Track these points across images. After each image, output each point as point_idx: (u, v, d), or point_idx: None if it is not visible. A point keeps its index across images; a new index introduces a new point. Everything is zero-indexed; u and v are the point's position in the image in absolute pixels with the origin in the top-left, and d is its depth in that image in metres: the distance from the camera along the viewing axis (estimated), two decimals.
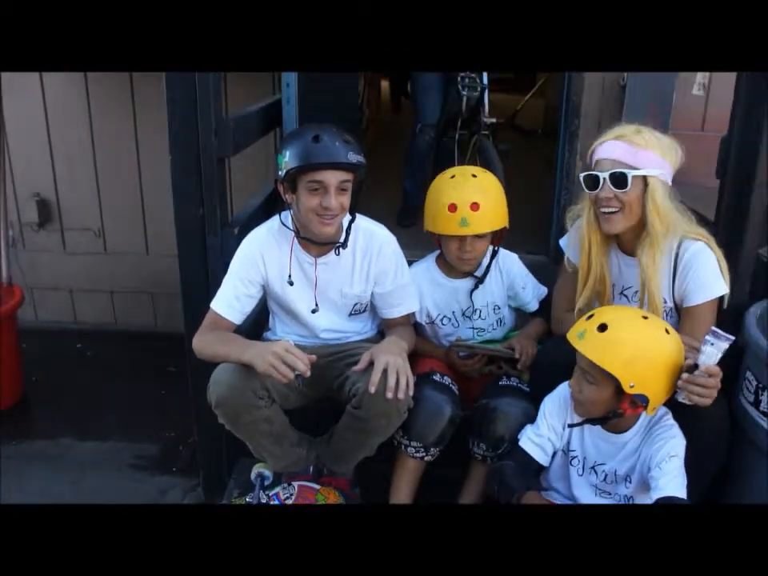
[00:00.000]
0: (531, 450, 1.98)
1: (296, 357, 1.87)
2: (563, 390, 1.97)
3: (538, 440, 1.98)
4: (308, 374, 1.89)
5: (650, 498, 1.77)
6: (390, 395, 1.89)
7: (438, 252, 2.36)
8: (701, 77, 3.46)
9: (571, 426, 1.95)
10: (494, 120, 3.76)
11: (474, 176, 2.22)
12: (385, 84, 8.08)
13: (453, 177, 2.23)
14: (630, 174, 1.90)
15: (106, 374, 3.63)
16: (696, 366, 1.72)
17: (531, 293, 2.39)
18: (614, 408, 1.81)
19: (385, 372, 1.91)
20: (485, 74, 3.67)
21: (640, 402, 1.76)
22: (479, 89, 3.59)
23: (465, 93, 3.59)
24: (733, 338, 1.74)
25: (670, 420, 1.86)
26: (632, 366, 1.72)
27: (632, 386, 1.72)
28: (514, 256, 2.41)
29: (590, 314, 1.82)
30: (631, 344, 1.73)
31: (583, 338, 1.77)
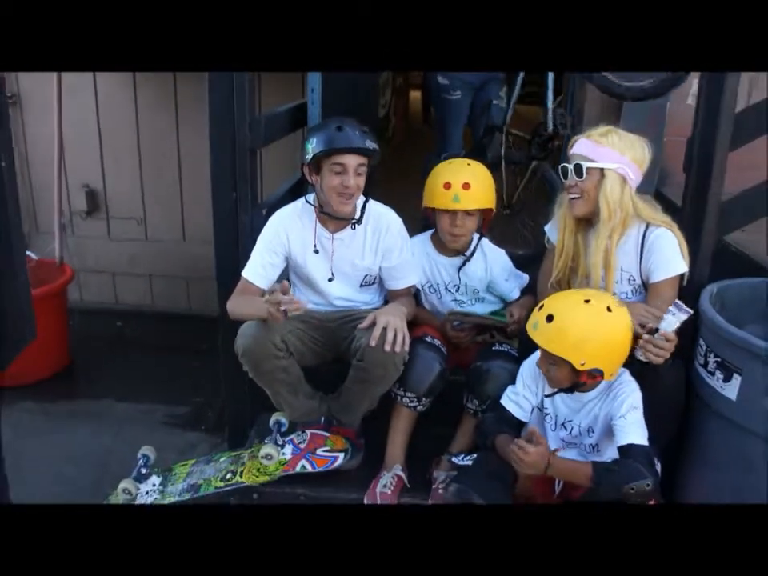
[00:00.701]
0: (509, 406, 2.26)
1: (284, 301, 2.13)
2: (538, 356, 2.24)
3: (515, 398, 2.26)
4: (297, 304, 2.14)
5: (615, 443, 2.05)
6: (387, 348, 2.22)
7: (433, 230, 2.65)
8: (694, 89, 3.71)
9: (547, 396, 2.23)
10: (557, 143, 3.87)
11: (469, 164, 2.55)
12: (415, 94, 8.32)
13: (450, 163, 2.57)
14: (586, 165, 2.21)
15: (144, 349, 3.97)
16: (657, 330, 2.03)
17: (513, 284, 2.66)
18: (576, 380, 2.08)
19: (384, 330, 2.24)
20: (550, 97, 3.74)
21: (596, 373, 2.03)
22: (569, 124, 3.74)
23: (561, 131, 3.70)
24: (692, 311, 2.04)
25: (628, 377, 2.14)
26: (579, 348, 1.98)
27: (583, 364, 1.99)
28: (502, 251, 2.69)
29: (540, 304, 2.09)
30: (575, 329, 1.99)
31: (536, 329, 2.03)
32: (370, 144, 2.32)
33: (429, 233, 2.70)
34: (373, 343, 2.23)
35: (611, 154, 2.21)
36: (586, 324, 2.00)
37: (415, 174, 3.49)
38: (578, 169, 2.23)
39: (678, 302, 2.06)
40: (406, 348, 2.28)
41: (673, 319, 2.04)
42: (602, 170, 2.22)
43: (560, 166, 2.32)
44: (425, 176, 2.59)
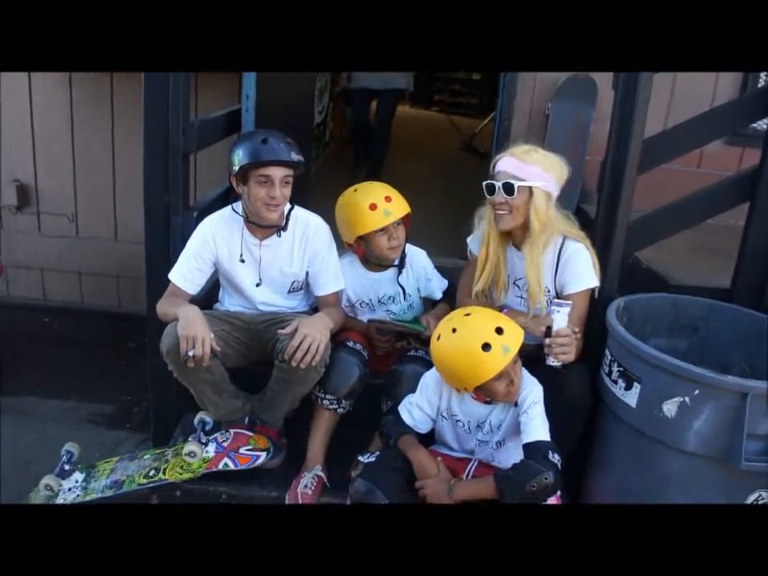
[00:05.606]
0: (402, 414, 2.38)
1: (203, 350, 2.27)
2: None
3: (409, 407, 2.38)
4: (205, 356, 2.30)
5: (520, 440, 2.18)
6: (294, 365, 2.31)
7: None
8: None
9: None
10: None
11: (371, 183, 2.68)
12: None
13: (356, 190, 2.63)
14: (517, 184, 2.32)
15: (71, 346, 3.94)
16: (550, 329, 2.21)
17: (436, 284, 2.78)
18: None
19: (300, 344, 2.31)
20: None
21: None
22: None
23: None
24: (570, 302, 2.24)
25: (527, 374, 2.28)
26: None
27: None
28: (423, 252, 2.80)
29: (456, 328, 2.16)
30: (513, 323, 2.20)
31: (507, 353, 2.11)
32: (295, 156, 2.40)
33: (354, 255, 2.76)
34: (286, 357, 2.32)
35: (538, 173, 2.34)
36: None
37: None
38: (509, 187, 2.33)
39: (555, 299, 2.27)
40: (318, 358, 2.34)
41: (558, 317, 2.22)
42: (530, 187, 2.34)
43: (485, 183, 2.40)
44: None
